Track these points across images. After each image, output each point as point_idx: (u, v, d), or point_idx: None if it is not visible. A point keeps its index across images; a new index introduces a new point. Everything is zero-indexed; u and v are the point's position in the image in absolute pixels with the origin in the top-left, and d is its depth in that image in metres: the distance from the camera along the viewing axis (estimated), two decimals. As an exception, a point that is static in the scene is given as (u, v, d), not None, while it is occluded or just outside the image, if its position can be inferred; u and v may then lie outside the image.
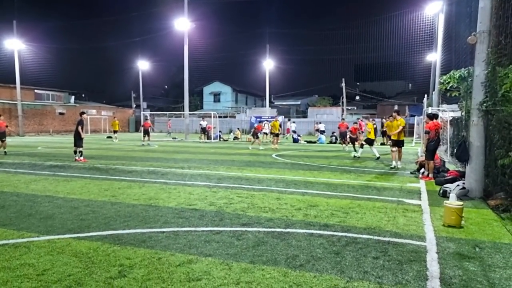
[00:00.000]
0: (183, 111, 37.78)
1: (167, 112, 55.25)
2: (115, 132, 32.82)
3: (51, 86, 53.73)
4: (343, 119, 20.81)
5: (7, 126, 18.67)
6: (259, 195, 8.11)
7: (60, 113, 50.38)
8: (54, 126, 48.48)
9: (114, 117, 37.97)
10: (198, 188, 8.94)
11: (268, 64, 48.19)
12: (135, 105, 64.91)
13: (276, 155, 17.81)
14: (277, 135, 23.70)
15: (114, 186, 9.16)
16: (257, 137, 23.85)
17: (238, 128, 39.04)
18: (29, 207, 6.97)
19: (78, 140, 14.98)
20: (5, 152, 17.88)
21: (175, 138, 34.25)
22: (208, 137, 31.54)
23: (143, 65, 57.92)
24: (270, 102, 52.76)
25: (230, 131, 42.06)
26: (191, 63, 36.16)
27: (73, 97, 56.83)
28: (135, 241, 5.00)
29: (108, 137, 38.19)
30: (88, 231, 5.43)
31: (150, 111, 59.14)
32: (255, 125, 27.38)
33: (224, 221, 6.01)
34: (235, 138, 34.05)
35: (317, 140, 29.82)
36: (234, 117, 55.04)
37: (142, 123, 29.73)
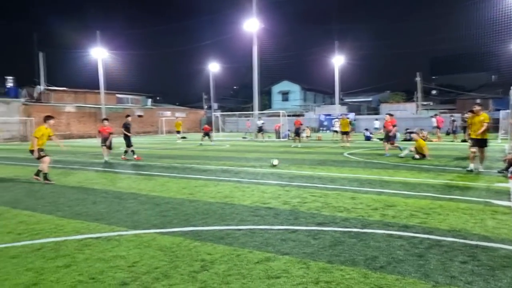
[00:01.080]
0: (253, 111, 38.35)
1: (237, 112, 56.38)
2: (178, 132, 34.48)
3: (130, 90, 57.20)
4: (391, 115, 18.54)
5: (111, 133, 16.35)
6: (332, 194, 8.00)
7: (139, 116, 53.51)
8: (133, 127, 51.44)
9: (177, 117, 39.63)
10: (271, 187, 9.04)
11: (338, 61, 47.28)
12: (206, 106, 67.08)
13: (348, 154, 17.45)
14: (347, 133, 23.18)
15: (191, 185, 9.55)
16: (298, 135, 24.03)
17: (308, 126, 38.79)
18: (116, 203, 7.51)
19: (126, 140, 16.37)
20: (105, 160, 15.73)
21: (245, 138, 34.88)
22: (278, 136, 31.72)
23: (214, 67, 59.64)
24: (340, 99, 51.69)
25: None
26: (260, 63, 36.56)
27: (150, 100, 60.06)
28: (214, 237, 5.19)
29: (182, 138, 39.85)
30: (171, 227, 5.73)
31: (221, 111, 60.77)
32: (294, 121, 27.10)
33: (299, 220, 6.02)
34: (307, 136, 33.90)
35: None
36: (303, 115, 54.78)
37: (202, 127, 30.84)
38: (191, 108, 66.43)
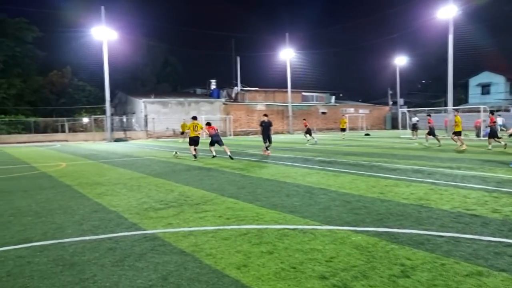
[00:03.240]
0: (445, 106, 34.86)
1: (426, 108, 52.20)
2: (342, 130, 33.61)
3: (315, 88, 58.95)
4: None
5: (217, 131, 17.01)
6: (559, 206, 6.61)
7: (322, 113, 54.76)
8: (317, 124, 53.10)
9: (343, 115, 38.61)
10: (474, 192, 8.02)
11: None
12: (391, 102, 64.20)
13: None
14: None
15: (381, 183, 9.23)
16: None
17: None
18: (308, 197, 7.79)
19: (264, 137, 17.57)
20: (230, 157, 15.89)
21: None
22: (477, 134, 28.03)
23: (400, 61, 56.59)
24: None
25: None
26: (455, 53, 32.87)
27: (333, 97, 60.80)
28: (412, 242, 4.86)
29: (366, 134, 39.08)
30: (364, 226, 5.62)
31: (408, 107, 57.24)
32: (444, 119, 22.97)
33: (515, 233, 5.16)
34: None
35: None
36: (508, 110, 47.18)
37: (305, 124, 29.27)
38: (375, 104, 64.58)
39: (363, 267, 4.08)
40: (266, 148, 17.93)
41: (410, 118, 34.98)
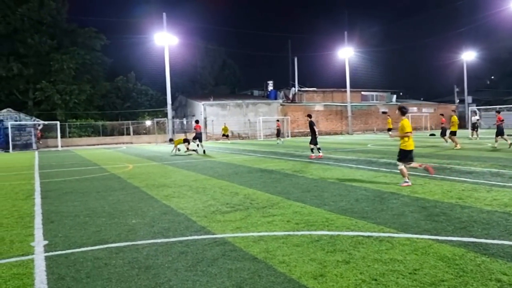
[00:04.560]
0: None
1: (497, 106, 48.75)
2: (389, 130, 32.41)
3: (375, 87, 57.22)
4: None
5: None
6: None
7: (383, 112, 52.91)
8: (377, 124, 51.44)
9: (388, 115, 36.80)
10: None
11: None
12: (458, 100, 60.74)
13: None
14: None
15: (457, 188, 8.60)
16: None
17: None
18: (378, 202, 7.41)
19: (313, 139, 16.70)
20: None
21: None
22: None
23: (467, 56, 53.37)
24: None
25: None
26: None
27: (394, 96, 58.65)
28: (505, 254, 4.39)
29: (431, 135, 37.25)
30: (446, 235, 5.19)
31: (476, 105, 53.79)
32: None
33: None
34: None
35: None
36: None
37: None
38: (440, 102, 61.41)
39: (453, 281, 3.71)
40: (318, 149, 16.95)
41: (471, 116, 32.86)
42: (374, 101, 56.22)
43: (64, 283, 3.99)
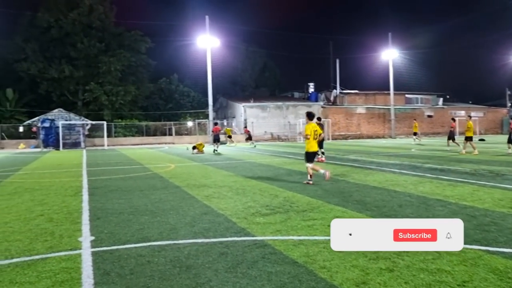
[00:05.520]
0: None
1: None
2: (415, 134, 31.28)
3: (420, 90, 55.48)
4: None
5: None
6: None
7: (428, 116, 51.22)
8: (422, 128, 49.73)
9: (415, 119, 35.19)
10: None
11: None
12: (510, 104, 57.77)
13: None
14: None
15: (509, 196, 8.14)
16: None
17: None
18: (423, 209, 7.14)
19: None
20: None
21: None
22: None
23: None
24: None
25: None
26: None
27: (441, 99, 56.59)
28: None
29: (480, 140, 35.66)
30: (497, 246, 4.92)
31: (530, 109, 50.98)
32: None
33: None
34: None
35: None
36: None
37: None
38: (490, 106, 58.64)
39: (506, 296, 3.51)
40: (322, 153, 16.72)
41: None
42: (419, 104, 54.49)
43: (109, 278, 4.12)
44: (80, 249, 5.16)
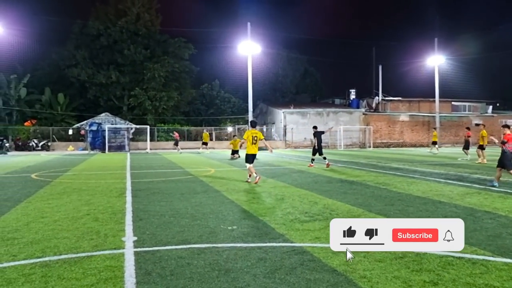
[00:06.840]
0: None
1: None
2: (434, 143, 30.51)
3: (467, 97, 53.33)
4: None
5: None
6: None
7: (476, 124, 49.00)
8: (470, 137, 47.69)
9: (434, 128, 33.24)
10: None
11: None
12: None
13: None
14: None
15: None
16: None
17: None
18: (471, 221, 6.82)
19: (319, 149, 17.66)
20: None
21: None
22: None
23: None
24: None
25: None
26: None
27: (490, 107, 54.09)
28: None
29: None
30: (553, 263, 4.62)
31: None
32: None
33: None
34: None
35: None
36: None
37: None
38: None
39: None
40: (324, 158, 17.79)
41: None
42: (466, 112, 52.33)
43: (150, 278, 4.22)
44: (124, 248, 5.33)
